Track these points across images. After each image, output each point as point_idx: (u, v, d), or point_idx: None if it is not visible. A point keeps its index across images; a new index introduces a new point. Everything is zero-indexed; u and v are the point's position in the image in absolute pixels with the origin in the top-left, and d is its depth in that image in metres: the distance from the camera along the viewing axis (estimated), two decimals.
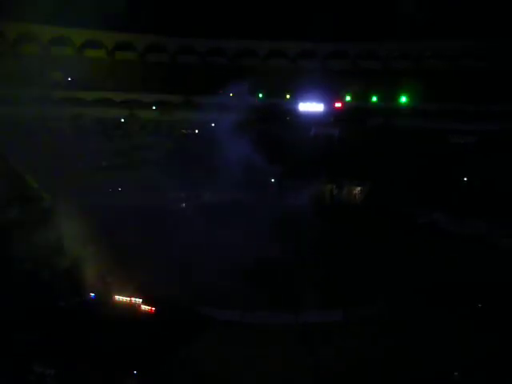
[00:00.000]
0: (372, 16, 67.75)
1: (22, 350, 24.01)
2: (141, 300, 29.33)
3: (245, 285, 32.22)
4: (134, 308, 29.13)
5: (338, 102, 69.96)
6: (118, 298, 29.85)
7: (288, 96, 71.20)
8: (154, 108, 70.46)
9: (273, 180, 58.20)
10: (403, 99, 67.87)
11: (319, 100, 69.07)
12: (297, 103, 69.86)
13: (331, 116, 69.52)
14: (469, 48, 67.54)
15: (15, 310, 26.91)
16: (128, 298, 29.60)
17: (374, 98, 69.92)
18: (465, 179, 53.58)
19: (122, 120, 67.81)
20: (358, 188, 57.76)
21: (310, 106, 69.30)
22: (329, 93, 68.74)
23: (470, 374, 23.45)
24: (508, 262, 37.61)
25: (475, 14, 62.19)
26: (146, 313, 28.74)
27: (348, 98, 70.81)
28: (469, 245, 42.04)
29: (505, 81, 61.15)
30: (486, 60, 65.86)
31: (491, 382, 23.44)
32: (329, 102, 69.73)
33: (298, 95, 69.26)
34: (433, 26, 64.89)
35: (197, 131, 68.61)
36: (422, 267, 36.18)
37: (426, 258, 38.53)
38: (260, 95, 70.87)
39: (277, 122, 67.73)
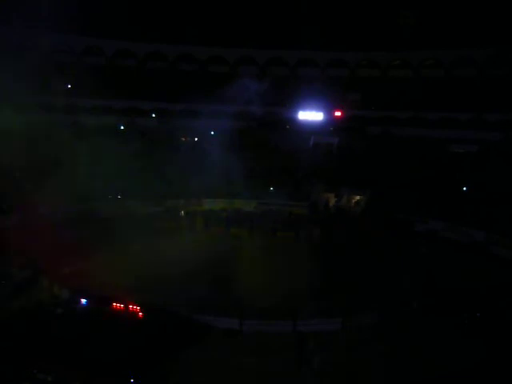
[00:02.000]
0: (372, 25, 67.86)
1: (19, 355, 23.95)
2: (138, 307, 29.27)
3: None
4: (131, 315, 29.05)
5: (337, 110, 69.96)
6: (114, 305, 29.80)
7: (287, 104, 71.19)
8: (153, 115, 70.54)
9: (271, 188, 58.17)
10: None
11: (319, 108, 69.04)
12: (296, 111, 69.85)
13: (331, 124, 69.44)
14: (468, 56, 67.65)
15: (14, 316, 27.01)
16: (125, 306, 29.53)
17: (373, 107, 69.98)
18: (464, 188, 53.45)
19: (122, 127, 67.87)
20: (358, 196, 57.74)
21: (310, 115, 69.27)
22: (328, 101, 68.72)
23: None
24: (507, 271, 37.62)
25: (473, 22, 62.34)
26: (142, 320, 28.69)
27: (348, 107, 70.87)
28: (468, 254, 42.04)
29: (505, 89, 61.16)
30: (484, 68, 65.91)
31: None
32: (328, 111, 69.70)
33: (298, 103, 69.24)
34: (432, 34, 65.06)
35: (196, 139, 68.64)
36: (420, 275, 36.10)
37: (424, 266, 38.48)
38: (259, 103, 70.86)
39: (276, 131, 67.75)
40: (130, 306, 29.39)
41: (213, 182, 53.19)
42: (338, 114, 70.00)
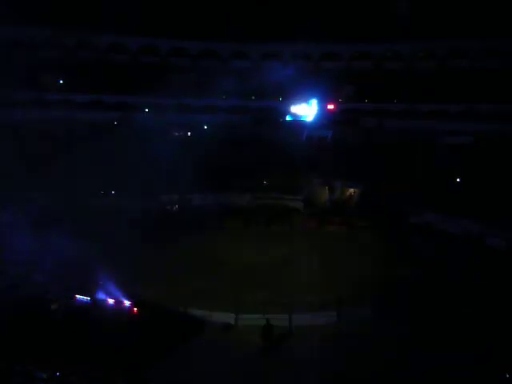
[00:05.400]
0: (365, 17, 67.71)
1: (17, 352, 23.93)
2: (133, 303, 29.29)
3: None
4: (127, 311, 29.07)
5: (330, 103, 69.83)
6: (110, 300, 29.80)
7: (281, 98, 71.06)
8: (146, 110, 70.22)
9: (265, 182, 58.19)
10: None
11: (311, 102, 68.86)
12: (289, 105, 69.67)
13: (324, 118, 69.32)
14: (462, 48, 67.72)
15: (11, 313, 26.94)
16: (121, 301, 29.55)
17: (367, 99, 69.90)
18: (458, 179, 53.57)
19: (115, 123, 67.57)
20: (352, 189, 57.79)
21: (303, 108, 69.10)
22: (322, 94, 68.59)
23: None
24: (504, 263, 37.67)
25: (464, 13, 62.35)
26: (137, 315, 28.70)
27: (341, 100, 70.79)
28: (463, 245, 42.14)
29: (497, 80, 61.19)
30: (478, 60, 65.96)
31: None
32: (322, 104, 69.55)
33: (291, 97, 69.09)
34: (425, 26, 64.97)
35: (189, 134, 68.50)
36: (413, 267, 36.31)
37: (417, 257, 38.71)
38: (253, 97, 70.75)
39: (269, 124, 67.63)
40: (126, 302, 29.45)
41: (206, 176, 53.23)
42: (330, 107, 69.87)
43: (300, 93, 67.31)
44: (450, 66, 68.41)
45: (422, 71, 69.85)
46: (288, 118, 69.71)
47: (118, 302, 29.59)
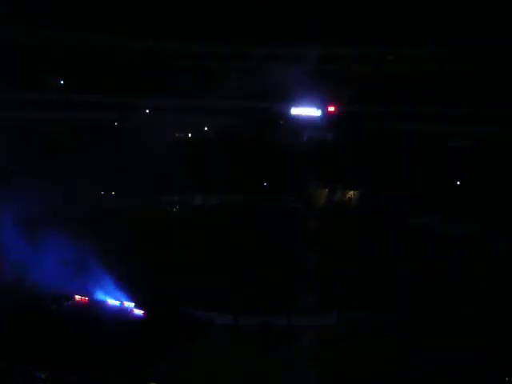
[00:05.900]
0: (366, 19, 67.61)
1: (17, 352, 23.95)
2: (133, 304, 29.32)
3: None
4: (127, 312, 29.10)
5: (331, 105, 69.69)
6: (111, 301, 29.84)
7: (282, 100, 70.91)
8: (147, 111, 70.11)
9: (265, 184, 58.19)
10: None
11: (312, 104, 68.79)
12: (290, 107, 69.56)
13: (324, 120, 69.20)
14: (462, 50, 67.55)
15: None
16: (121, 302, 29.59)
17: (367, 102, 69.64)
18: (458, 181, 53.57)
19: (116, 123, 67.55)
20: (352, 191, 57.78)
21: (304, 110, 69.00)
22: (322, 97, 68.50)
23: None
24: (504, 265, 37.60)
25: (464, 14, 62.25)
26: (138, 315, 28.75)
27: (341, 102, 70.60)
28: (464, 247, 42.02)
29: (498, 82, 61.07)
30: (478, 61, 65.83)
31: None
32: (322, 106, 69.43)
33: (292, 99, 68.96)
34: (425, 28, 64.90)
35: (190, 135, 68.50)
36: (413, 267, 36.31)
37: (417, 257, 38.71)
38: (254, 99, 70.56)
39: (270, 127, 67.59)
40: (126, 303, 29.51)
41: (207, 177, 53.30)
42: (331, 109, 69.69)
43: (301, 95, 67.13)
44: (451, 68, 68.12)
45: (423, 73, 69.56)
46: (289, 120, 69.58)
47: (119, 303, 29.64)
